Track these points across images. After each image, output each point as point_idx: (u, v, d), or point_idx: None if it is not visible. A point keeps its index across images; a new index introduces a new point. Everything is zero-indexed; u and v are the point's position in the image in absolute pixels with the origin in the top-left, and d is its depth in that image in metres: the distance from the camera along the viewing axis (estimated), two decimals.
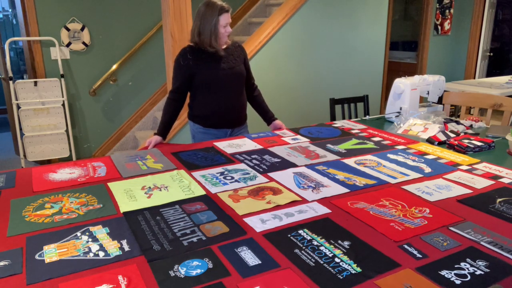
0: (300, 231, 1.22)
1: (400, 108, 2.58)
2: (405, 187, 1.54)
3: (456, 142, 2.01)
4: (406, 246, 1.13)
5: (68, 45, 3.99)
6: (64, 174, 1.70)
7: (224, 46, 2.27)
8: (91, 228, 1.25)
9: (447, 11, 5.61)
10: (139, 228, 1.24)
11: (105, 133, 4.37)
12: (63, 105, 3.99)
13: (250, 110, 2.48)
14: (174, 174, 1.68)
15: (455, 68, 5.95)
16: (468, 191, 1.50)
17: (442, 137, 2.12)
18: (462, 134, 2.18)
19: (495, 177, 1.63)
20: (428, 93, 2.70)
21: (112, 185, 1.57)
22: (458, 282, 0.98)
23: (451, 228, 1.23)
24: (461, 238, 1.17)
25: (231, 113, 2.34)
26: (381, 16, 4.23)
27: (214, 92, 2.25)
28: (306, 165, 1.78)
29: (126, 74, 4.33)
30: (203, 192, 1.50)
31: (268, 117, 2.50)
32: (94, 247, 1.14)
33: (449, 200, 1.42)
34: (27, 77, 4.16)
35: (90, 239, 1.18)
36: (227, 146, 2.06)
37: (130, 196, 1.47)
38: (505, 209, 1.35)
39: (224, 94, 2.27)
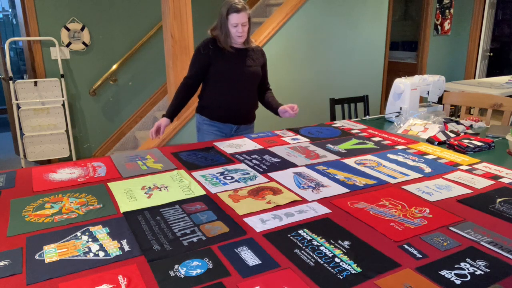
0: (300, 231, 1.22)
1: (400, 108, 2.58)
2: (405, 187, 1.54)
3: (456, 142, 2.01)
4: (406, 246, 1.13)
5: (68, 45, 3.99)
6: (64, 174, 1.70)
7: (242, 46, 2.29)
8: (91, 228, 1.25)
9: (447, 11, 5.61)
10: (139, 228, 1.24)
11: (105, 133, 4.37)
12: (63, 105, 3.99)
13: (257, 111, 2.48)
14: (174, 174, 1.68)
15: (455, 68, 5.94)
16: (468, 191, 1.50)
17: (442, 137, 2.12)
18: (462, 134, 2.18)
19: (495, 177, 1.63)
20: (428, 93, 2.70)
21: (112, 185, 1.57)
22: (458, 282, 0.98)
23: (451, 228, 1.23)
24: (461, 238, 1.17)
25: (239, 109, 2.36)
26: (381, 16, 4.23)
27: (226, 85, 2.29)
28: (306, 165, 1.78)
29: (126, 74, 4.33)
30: (203, 192, 1.50)
31: (276, 107, 2.40)
32: (94, 247, 1.14)
33: (449, 200, 1.42)
34: (27, 77, 4.15)
35: (90, 239, 1.18)
36: (227, 146, 2.06)
37: (130, 196, 1.47)
38: (505, 209, 1.35)
39: (236, 90, 2.30)
